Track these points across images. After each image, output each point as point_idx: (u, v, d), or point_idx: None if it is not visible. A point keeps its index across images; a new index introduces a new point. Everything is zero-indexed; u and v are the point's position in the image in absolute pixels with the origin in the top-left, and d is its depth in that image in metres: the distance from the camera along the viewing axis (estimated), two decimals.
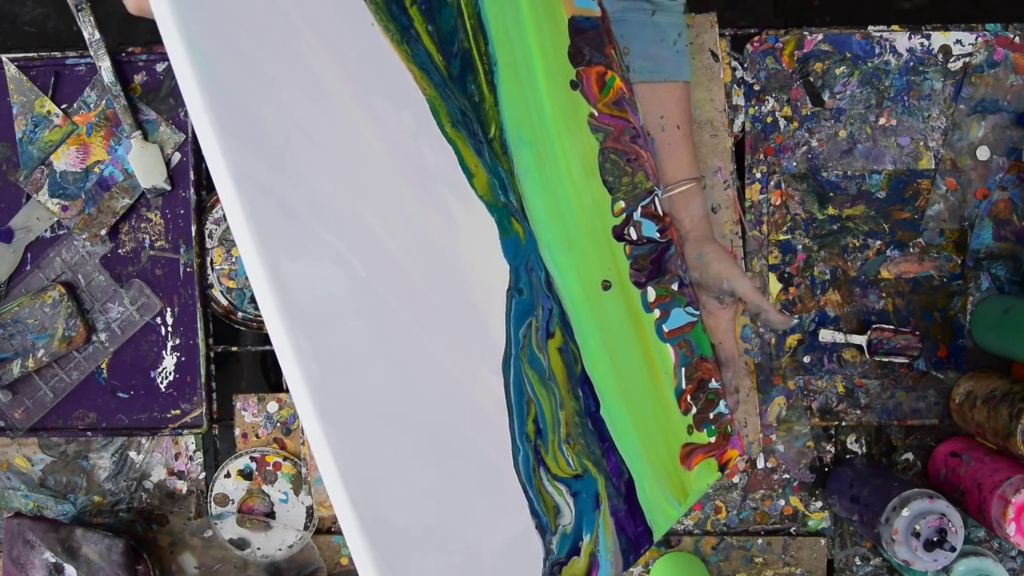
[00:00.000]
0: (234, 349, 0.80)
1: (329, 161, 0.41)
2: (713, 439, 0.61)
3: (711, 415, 0.62)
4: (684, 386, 0.60)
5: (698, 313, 0.62)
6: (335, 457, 0.39)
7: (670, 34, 0.63)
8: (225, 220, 0.76)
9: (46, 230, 0.77)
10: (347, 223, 0.42)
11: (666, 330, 0.60)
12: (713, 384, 0.62)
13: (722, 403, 0.63)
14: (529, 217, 0.52)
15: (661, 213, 0.60)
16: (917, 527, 0.64)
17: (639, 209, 0.59)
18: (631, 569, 0.77)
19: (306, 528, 0.77)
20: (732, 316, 0.64)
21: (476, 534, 0.44)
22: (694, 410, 0.60)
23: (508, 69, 0.51)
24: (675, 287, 0.61)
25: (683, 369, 0.60)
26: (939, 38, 0.72)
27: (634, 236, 0.58)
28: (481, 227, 0.48)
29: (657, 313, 0.59)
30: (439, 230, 0.46)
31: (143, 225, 0.77)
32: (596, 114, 0.57)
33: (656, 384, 0.59)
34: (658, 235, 0.60)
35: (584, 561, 0.51)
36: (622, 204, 0.58)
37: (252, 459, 0.77)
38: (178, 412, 0.77)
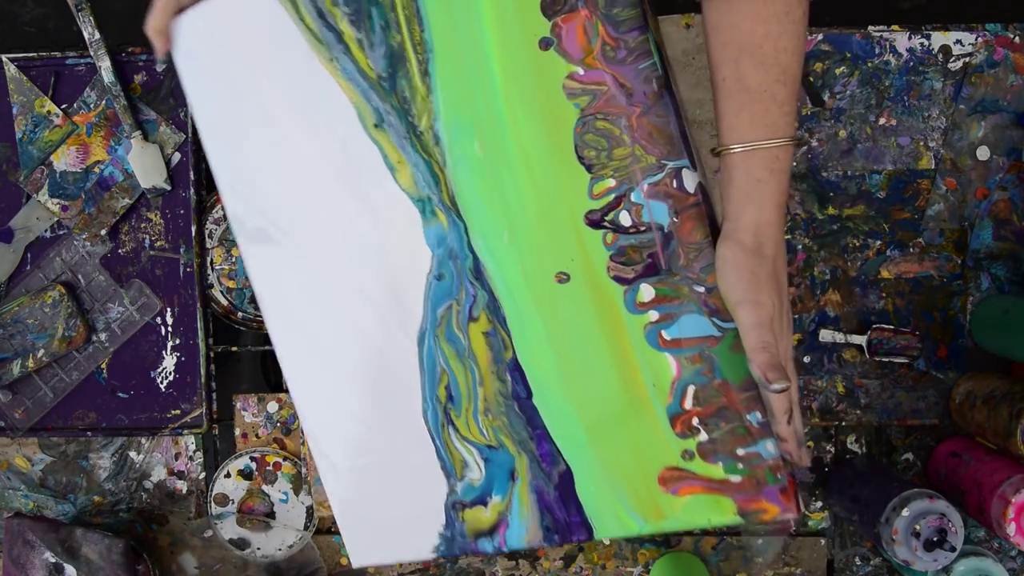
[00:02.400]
0: (234, 349, 0.80)
1: (278, 176, 0.56)
2: (736, 479, 0.49)
3: (739, 452, 0.49)
4: (687, 407, 0.50)
5: (729, 327, 0.48)
6: (297, 390, 0.59)
7: None
8: (225, 220, 0.76)
9: (46, 230, 0.77)
10: (294, 222, 0.56)
11: (666, 337, 0.50)
12: (751, 418, 0.49)
13: (766, 444, 0.48)
14: (460, 207, 0.52)
15: (691, 190, 0.48)
16: (917, 527, 0.64)
17: (643, 187, 0.48)
18: (631, 569, 0.77)
19: (306, 528, 0.77)
20: (787, 344, 0.49)
21: (390, 456, 0.57)
22: (702, 436, 0.50)
23: (446, 53, 0.50)
24: (689, 289, 0.49)
25: (690, 388, 0.50)
26: (939, 38, 0.72)
27: (625, 223, 0.49)
28: (404, 217, 0.54)
29: (654, 316, 0.50)
30: (367, 222, 0.54)
31: (143, 225, 0.77)
32: (581, 73, 0.48)
33: (630, 394, 0.51)
34: (674, 218, 0.48)
35: (491, 515, 0.56)
36: (610, 183, 0.49)
37: (252, 459, 0.77)
38: (178, 412, 0.77)
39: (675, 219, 0.48)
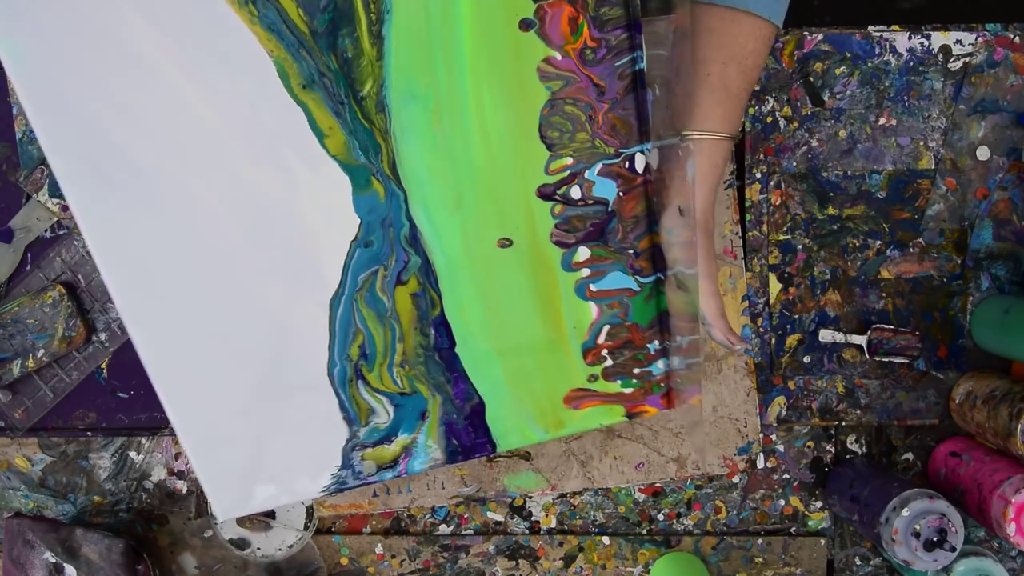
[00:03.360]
0: None
1: (145, 128, 0.48)
2: (628, 390, 0.61)
3: (635, 371, 0.60)
4: (600, 342, 0.59)
5: (648, 282, 0.58)
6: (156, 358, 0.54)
7: None
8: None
9: (46, 230, 0.77)
10: (169, 183, 0.49)
11: (593, 289, 0.57)
12: (651, 347, 0.60)
13: (656, 366, 0.60)
14: (402, 176, 0.51)
15: (639, 170, 0.53)
16: (917, 527, 0.64)
17: (597, 167, 0.53)
18: (631, 569, 0.77)
19: (306, 528, 0.77)
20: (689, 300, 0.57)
21: (272, 414, 0.56)
22: (608, 363, 0.60)
23: (408, 17, 0.46)
24: (622, 253, 0.57)
25: (606, 327, 0.59)
26: (939, 38, 0.72)
27: (575, 196, 0.54)
28: (330, 184, 0.51)
29: (585, 272, 0.56)
30: (274, 186, 0.50)
31: None
32: (559, 58, 0.49)
33: (551, 336, 0.58)
34: (620, 194, 0.54)
35: (395, 449, 0.59)
36: (567, 161, 0.52)
37: None
38: None
39: (621, 195, 0.54)
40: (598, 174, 0.53)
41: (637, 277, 0.58)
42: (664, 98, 0.52)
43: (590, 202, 0.54)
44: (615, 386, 0.61)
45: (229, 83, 0.47)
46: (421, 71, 0.48)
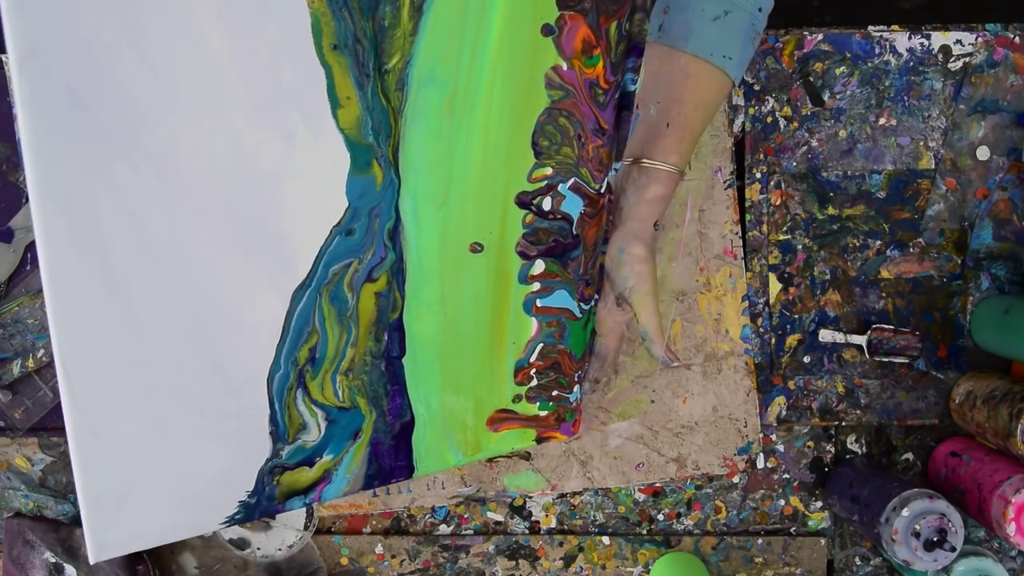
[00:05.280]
0: None
1: (145, 46, 0.41)
2: (544, 413, 0.61)
3: (553, 394, 0.60)
4: (532, 360, 0.58)
5: (588, 309, 0.59)
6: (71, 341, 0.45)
7: (711, 6, 0.55)
8: None
9: None
10: (147, 115, 0.42)
11: (538, 305, 0.57)
12: (575, 376, 0.61)
13: (574, 392, 0.61)
14: (401, 163, 0.48)
15: (601, 192, 0.54)
16: (917, 527, 0.64)
17: (570, 182, 0.53)
18: (631, 569, 0.77)
19: (306, 528, 0.77)
20: (624, 320, 0.60)
21: (210, 420, 0.49)
22: (533, 383, 0.59)
23: (452, 1, 0.45)
24: (572, 274, 0.57)
25: (540, 346, 0.58)
26: (939, 38, 0.72)
27: (546, 208, 0.54)
28: (328, 158, 0.47)
29: (535, 287, 0.56)
30: (267, 147, 0.45)
31: None
32: (564, 68, 0.49)
33: (493, 351, 0.57)
34: (581, 215, 0.54)
35: (315, 473, 0.54)
36: (548, 171, 0.52)
37: None
38: None
39: (585, 216, 0.55)
40: (569, 188, 0.53)
41: (580, 303, 0.58)
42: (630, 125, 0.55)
43: (557, 216, 0.54)
44: (533, 408, 0.60)
45: (257, 24, 0.42)
46: (448, 54, 0.47)
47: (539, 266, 0.56)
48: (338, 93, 0.45)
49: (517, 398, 0.59)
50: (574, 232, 0.55)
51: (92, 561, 0.46)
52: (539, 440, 0.62)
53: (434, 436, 0.58)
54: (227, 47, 0.42)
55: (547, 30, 0.48)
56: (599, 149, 0.52)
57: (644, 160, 0.56)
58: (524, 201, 0.53)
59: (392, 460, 0.57)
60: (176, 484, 0.49)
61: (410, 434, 0.57)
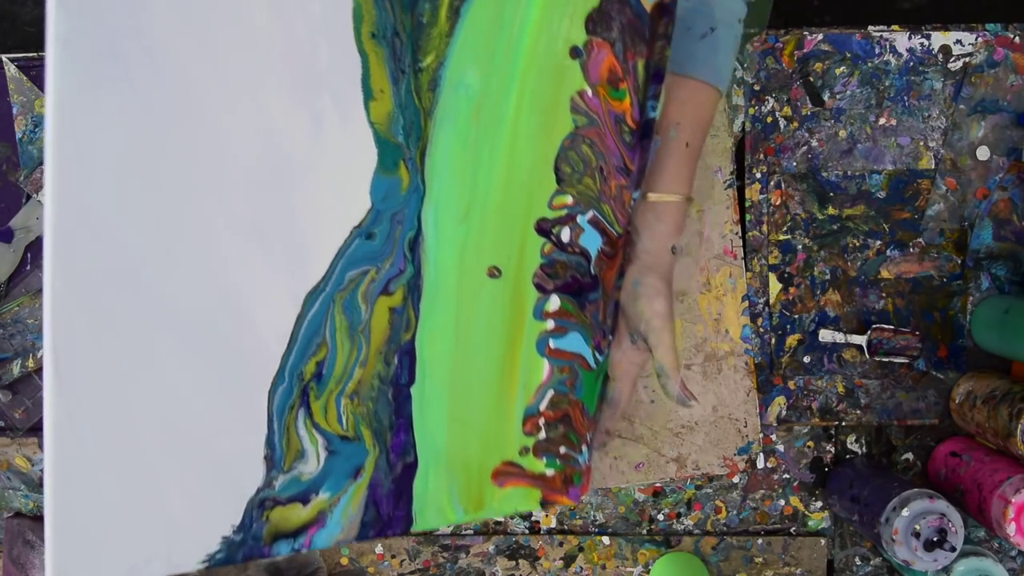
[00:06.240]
0: None
1: (183, 11, 0.40)
2: (550, 473, 0.56)
3: (562, 451, 0.56)
4: (541, 409, 0.55)
5: (603, 361, 0.56)
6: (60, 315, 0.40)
7: (697, 25, 0.55)
8: None
9: None
10: (179, 82, 0.40)
11: (551, 346, 0.54)
12: (587, 435, 0.57)
13: (583, 453, 0.57)
14: (427, 169, 0.47)
15: (620, 235, 0.53)
16: (917, 527, 0.64)
17: (589, 215, 0.52)
18: (631, 569, 0.77)
19: None
20: (639, 363, 0.57)
21: (203, 432, 0.44)
22: (542, 435, 0.55)
23: (488, 5, 0.45)
24: (589, 318, 0.54)
25: (550, 392, 0.55)
26: (939, 38, 0.72)
27: (564, 239, 0.52)
28: (356, 152, 0.45)
29: (550, 325, 0.53)
30: (295, 129, 0.43)
31: None
32: (589, 94, 0.49)
33: (502, 391, 0.53)
34: (599, 253, 0.53)
35: (308, 513, 0.49)
36: (568, 200, 0.51)
37: None
38: None
39: (604, 255, 0.53)
40: (588, 221, 0.52)
41: (595, 353, 0.55)
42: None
43: (575, 250, 0.52)
44: (540, 465, 0.56)
45: (299, 2, 0.42)
46: (480, 60, 0.46)
47: (554, 302, 0.53)
48: (372, 84, 0.44)
49: (524, 450, 0.55)
50: (592, 271, 0.54)
51: None
52: (544, 503, 0.57)
53: (436, 484, 0.53)
54: (267, 16, 0.42)
55: (575, 52, 0.48)
56: (623, 189, 0.52)
57: (650, 195, 0.55)
58: (544, 228, 0.52)
59: (391, 507, 0.52)
60: (156, 507, 0.44)
61: (411, 479, 0.52)
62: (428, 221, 0.48)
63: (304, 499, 0.48)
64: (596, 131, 0.50)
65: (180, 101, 0.41)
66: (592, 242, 0.53)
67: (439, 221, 0.49)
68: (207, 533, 0.45)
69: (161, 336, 0.43)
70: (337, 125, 0.44)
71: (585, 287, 0.54)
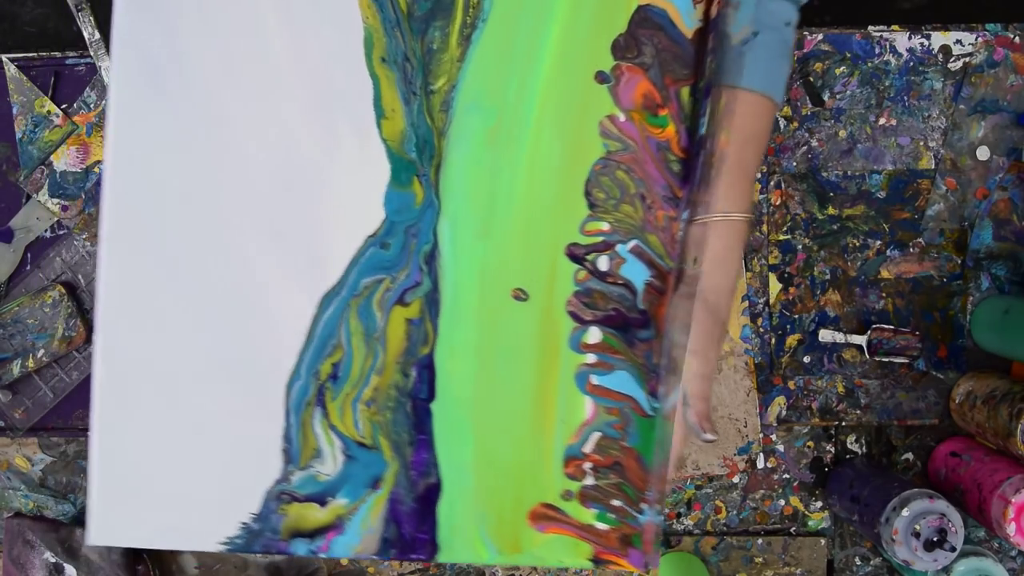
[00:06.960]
0: None
1: (213, 36, 0.46)
2: (603, 527, 0.51)
3: (615, 504, 0.51)
4: (587, 451, 0.51)
5: (660, 409, 0.51)
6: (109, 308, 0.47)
7: (736, 31, 0.53)
8: None
9: (46, 230, 0.77)
10: (209, 97, 0.47)
11: (593, 382, 0.51)
12: (647, 493, 0.52)
13: (645, 512, 0.51)
14: (442, 186, 0.48)
15: (667, 267, 0.50)
16: (917, 527, 0.64)
17: (630, 244, 0.50)
18: None
19: None
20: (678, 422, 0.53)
21: (226, 413, 0.49)
22: (588, 480, 0.51)
23: (499, 31, 0.46)
24: (640, 357, 0.51)
25: (596, 434, 0.51)
26: (939, 38, 0.72)
27: (603, 268, 0.50)
28: (370, 167, 0.48)
29: (591, 359, 0.50)
30: (312, 143, 0.48)
31: None
32: (621, 119, 0.48)
33: (537, 423, 0.51)
34: (647, 287, 0.50)
35: (326, 516, 0.50)
36: (604, 227, 0.49)
37: None
38: None
39: (653, 287, 0.50)
40: (630, 251, 0.49)
41: (651, 398, 0.51)
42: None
43: (618, 281, 0.50)
44: (588, 515, 0.51)
45: (315, 26, 0.47)
46: (493, 87, 0.47)
47: (595, 334, 0.50)
48: (384, 104, 0.47)
49: (567, 495, 0.51)
50: (640, 306, 0.50)
51: (90, 543, 0.46)
52: (596, 561, 0.52)
53: (464, 513, 0.51)
54: (283, 40, 0.47)
55: (602, 77, 0.47)
56: (672, 221, 0.49)
57: (714, 214, 0.51)
58: (576, 255, 0.50)
59: (414, 528, 0.50)
60: (185, 482, 0.49)
61: (435, 501, 0.51)
62: (444, 236, 0.49)
63: (321, 500, 0.50)
64: (632, 157, 0.48)
65: (212, 123, 0.47)
66: (637, 274, 0.50)
67: (455, 237, 0.49)
68: (228, 516, 0.49)
69: (192, 323, 0.48)
70: (351, 139, 0.48)
71: (632, 322, 0.51)
